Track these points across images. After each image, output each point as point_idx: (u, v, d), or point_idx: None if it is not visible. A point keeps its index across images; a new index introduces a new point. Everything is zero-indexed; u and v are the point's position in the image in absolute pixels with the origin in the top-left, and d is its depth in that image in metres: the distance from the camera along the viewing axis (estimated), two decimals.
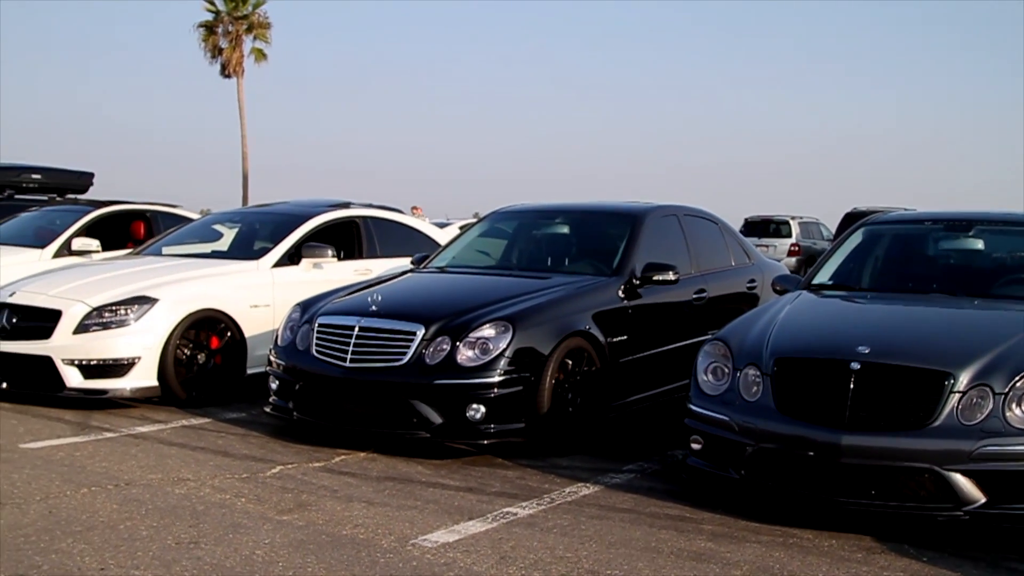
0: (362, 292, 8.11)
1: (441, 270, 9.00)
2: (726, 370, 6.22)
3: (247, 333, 9.38)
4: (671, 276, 8.22)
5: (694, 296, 8.91)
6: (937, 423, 5.46)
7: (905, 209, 16.43)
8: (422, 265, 9.27)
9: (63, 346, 8.73)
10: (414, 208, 25.44)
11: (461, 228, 15.47)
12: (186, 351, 9.00)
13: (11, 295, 9.27)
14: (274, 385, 7.90)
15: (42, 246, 12.24)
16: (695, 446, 6.22)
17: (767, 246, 28.92)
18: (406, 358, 7.14)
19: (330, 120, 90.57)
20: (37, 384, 8.89)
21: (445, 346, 7.09)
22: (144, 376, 8.75)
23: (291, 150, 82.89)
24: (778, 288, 7.90)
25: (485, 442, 7.07)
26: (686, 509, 6.07)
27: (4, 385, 9.05)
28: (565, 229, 9.44)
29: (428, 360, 7.08)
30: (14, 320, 9.06)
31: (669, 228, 9.12)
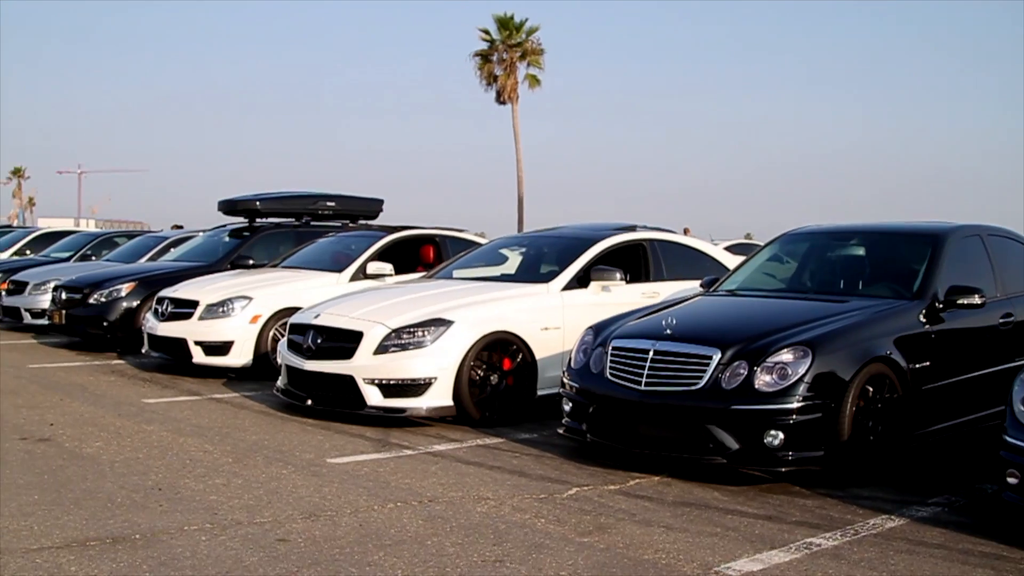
0: (655, 315, 8.09)
1: (732, 293, 8.88)
2: None
3: (538, 355, 9.51)
4: (977, 300, 7.82)
5: (1000, 321, 8.44)
6: None
7: None
8: (712, 288, 9.16)
9: (364, 366, 9.11)
10: (685, 230, 25.30)
11: (727, 249, 15.21)
12: (480, 372, 9.22)
13: (316, 317, 9.76)
14: (567, 407, 7.99)
15: (339, 270, 12.87)
16: (1011, 480, 5.88)
17: None
18: (702, 382, 7.08)
19: (598, 141, 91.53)
20: (340, 402, 9.33)
21: (742, 371, 6.99)
22: (440, 396, 9.02)
23: (561, 171, 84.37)
24: None
25: (783, 469, 6.92)
26: (1002, 547, 5.74)
27: (309, 402, 9.54)
28: (860, 251, 9.15)
29: (724, 385, 7.00)
30: (319, 341, 9.54)
31: (972, 249, 8.69)
